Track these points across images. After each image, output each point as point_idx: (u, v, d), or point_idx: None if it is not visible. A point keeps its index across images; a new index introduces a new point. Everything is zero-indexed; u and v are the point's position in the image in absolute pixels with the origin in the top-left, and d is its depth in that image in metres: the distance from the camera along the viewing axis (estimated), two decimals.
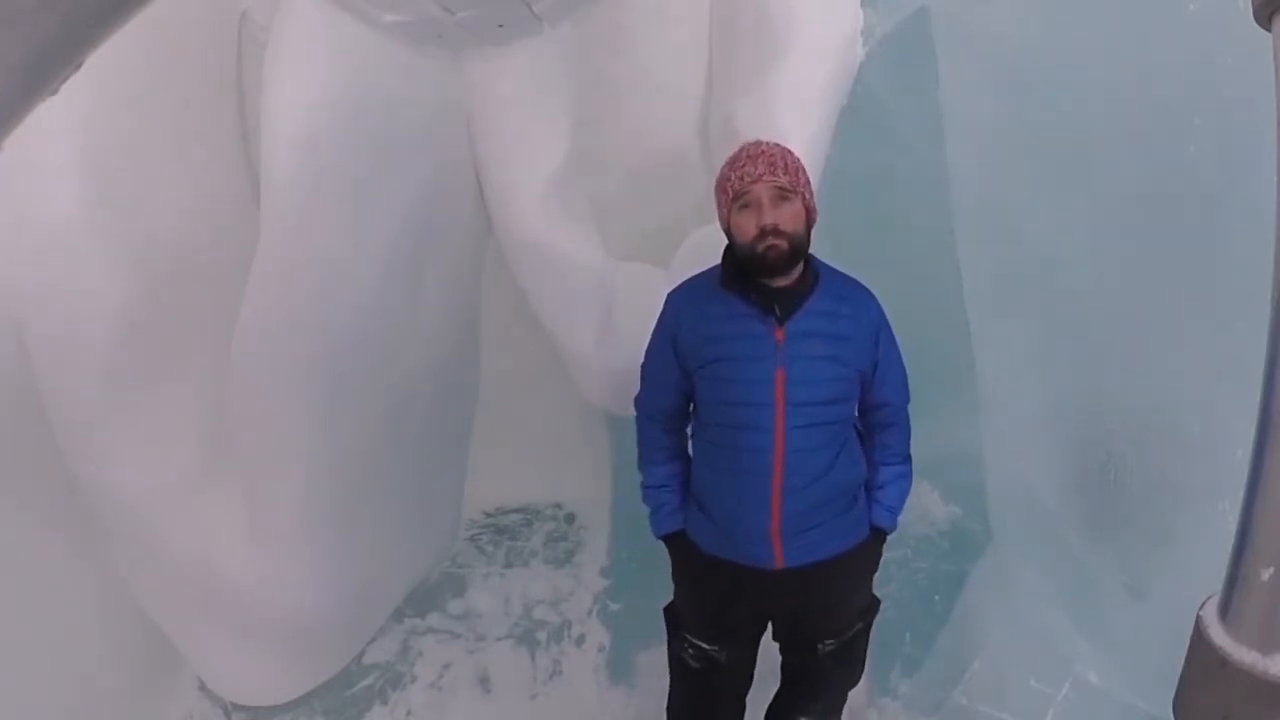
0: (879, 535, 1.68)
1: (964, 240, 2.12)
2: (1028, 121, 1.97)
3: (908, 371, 1.67)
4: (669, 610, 1.81)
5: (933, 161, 2.13)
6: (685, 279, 1.69)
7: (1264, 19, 0.63)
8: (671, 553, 1.72)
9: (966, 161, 2.10)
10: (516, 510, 2.84)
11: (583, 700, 2.31)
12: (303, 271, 1.84)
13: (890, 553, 2.29)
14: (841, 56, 2.16)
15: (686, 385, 1.63)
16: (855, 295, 1.62)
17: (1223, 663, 0.64)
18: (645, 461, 1.71)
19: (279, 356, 1.86)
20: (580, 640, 2.45)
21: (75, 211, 1.74)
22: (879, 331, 1.61)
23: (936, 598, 2.24)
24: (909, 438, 1.70)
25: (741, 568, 1.60)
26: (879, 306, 1.63)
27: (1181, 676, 0.70)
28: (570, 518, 2.86)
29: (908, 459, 1.70)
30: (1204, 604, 0.68)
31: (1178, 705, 0.71)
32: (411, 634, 2.46)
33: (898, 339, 1.64)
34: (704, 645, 1.72)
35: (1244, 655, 0.63)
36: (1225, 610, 0.66)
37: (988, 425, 2.14)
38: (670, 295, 1.68)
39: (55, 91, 0.60)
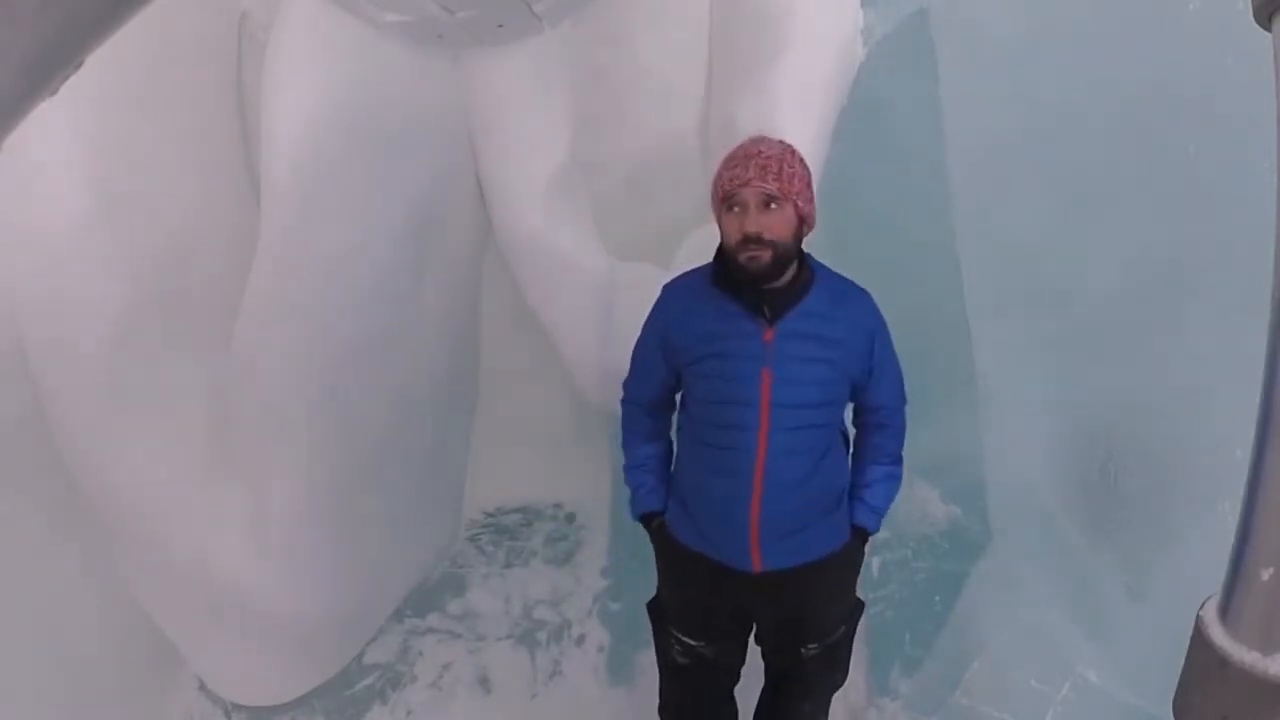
0: (861, 536, 1.64)
1: (964, 240, 2.12)
2: (1027, 121, 1.97)
3: (907, 371, 1.66)
4: (653, 605, 1.79)
5: (933, 161, 2.12)
6: (681, 273, 1.68)
7: (1264, 19, 0.63)
8: (652, 537, 1.71)
9: (966, 161, 2.09)
10: (516, 510, 2.83)
11: (583, 700, 2.31)
12: (303, 272, 1.84)
13: (890, 553, 2.31)
14: (841, 56, 2.16)
15: (672, 380, 1.64)
16: (852, 298, 1.59)
17: (1223, 663, 0.63)
18: (627, 444, 1.72)
19: (279, 357, 1.86)
20: (580, 640, 2.45)
21: (75, 211, 1.74)
22: (875, 335, 1.58)
23: (936, 598, 2.23)
24: (903, 441, 1.67)
25: (720, 565, 1.58)
26: (877, 309, 1.61)
27: (1181, 676, 0.70)
28: (570, 518, 2.84)
29: (899, 460, 1.67)
30: (1204, 604, 0.68)
31: (1178, 705, 0.71)
32: (411, 634, 2.46)
33: (898, 339, 1.64)
34: (690, 641, 1.71)
35: (1244, 655, 0.62)
36: (1225, 610, 0.65)
37: (988, 425, 2.14)
38: (665, 289, 1.66)
39: (55, 91, 0.60)
